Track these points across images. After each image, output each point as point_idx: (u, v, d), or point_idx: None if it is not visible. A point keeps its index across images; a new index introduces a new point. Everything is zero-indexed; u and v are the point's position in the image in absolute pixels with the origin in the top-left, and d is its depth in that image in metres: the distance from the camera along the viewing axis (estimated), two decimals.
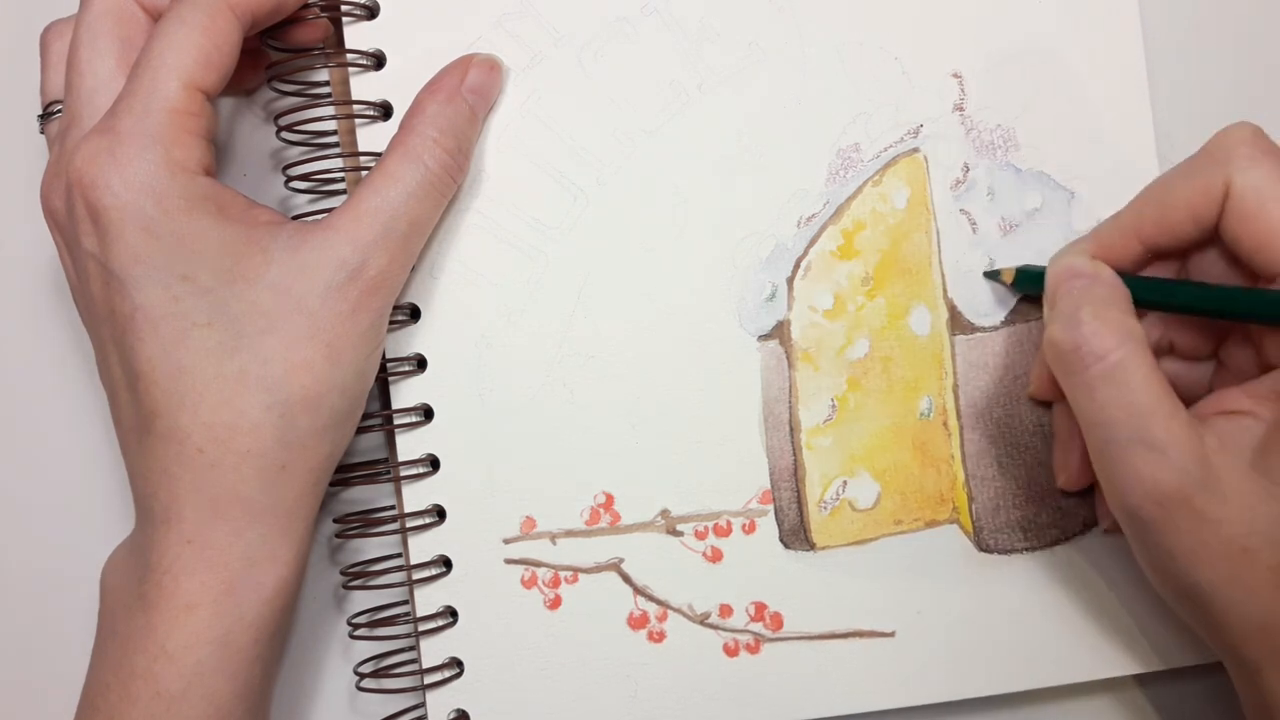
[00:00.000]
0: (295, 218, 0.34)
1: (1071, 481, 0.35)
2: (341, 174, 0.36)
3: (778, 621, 0.36)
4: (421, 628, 0.36)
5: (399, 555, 0.37)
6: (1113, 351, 0.29)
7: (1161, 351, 0.34)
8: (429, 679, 0.36)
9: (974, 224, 0.36)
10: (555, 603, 0.36)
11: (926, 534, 0.36)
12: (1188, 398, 0.31)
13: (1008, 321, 0.36)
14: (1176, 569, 0.30)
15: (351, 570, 0.37)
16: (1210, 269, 0.33)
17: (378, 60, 0.35)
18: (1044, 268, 0.33)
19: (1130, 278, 0.32)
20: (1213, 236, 0.32)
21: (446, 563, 0.36)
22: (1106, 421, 0.30)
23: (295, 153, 0.38)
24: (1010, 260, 0.36)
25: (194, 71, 0.31)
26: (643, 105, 0.36)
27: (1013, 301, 0.36)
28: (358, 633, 0.37)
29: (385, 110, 0.35)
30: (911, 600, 0.36)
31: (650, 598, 0.36)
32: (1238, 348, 0.33)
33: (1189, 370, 0.34)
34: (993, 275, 0.36)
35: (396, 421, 0.36)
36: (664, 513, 0.36)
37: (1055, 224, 0.36)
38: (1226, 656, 0.32)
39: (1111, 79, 0.36)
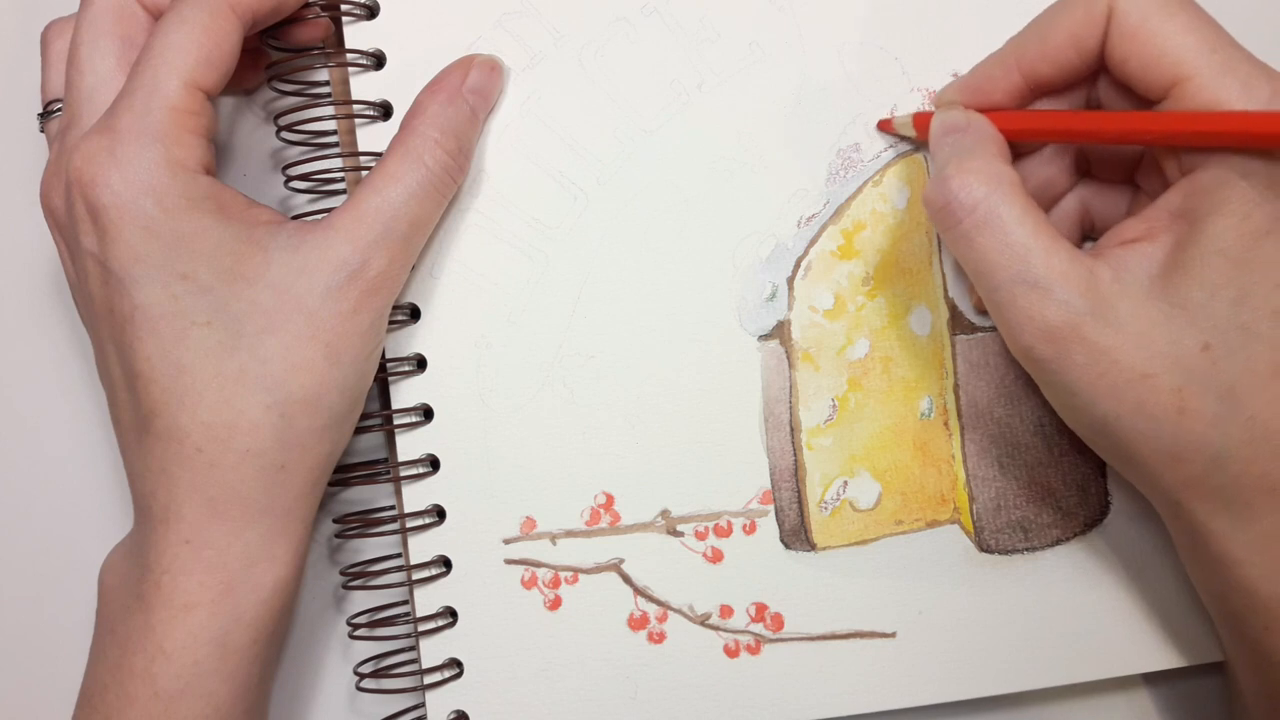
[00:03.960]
0: (295, 218, 0.34)
1: (980, 304, 0.36)
2: (341, 174, 0.36)
3: (778, 622, 0.36)
4: (421, 628, 0.35)
5: (399, 555, 0.37)
6: (981, 202, 0.30)
7: (1080, 174, 0.35)
8: (429, 679, 0.35)
9: None
10: (555, 603, 0.36)
11: (927, 534, 0.36)
12: (1109, 224, 0.32)
13: None
14: (1079, 404, 0.30)
15: (351, 570, 0.37)
16: (1103, 106, 0.33)
17: (378, 60, 0.35)
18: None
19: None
20: (1094, 68, 0.32)
21: (446, 563, 0.36)
22: (987, 269, 0.30)
23: (295, 152, 0.38)
24: None
25: (195, 70, 0.31)
26: (643, 105, 0.36)
27: None
28: (357, 633, 0.37)
29: (385, 110, 0.35)
30: (912, 601, 0.36)
31: (650, 598, 0.36)
32: (1150, 172, 0.33)
33: (1107, 194, 0.35)
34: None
35: (396, 421, 0.35)
36: (664, 513, 0.36)
37: None
38: (1148, 493, 0.32)
39: None
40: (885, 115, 0.36)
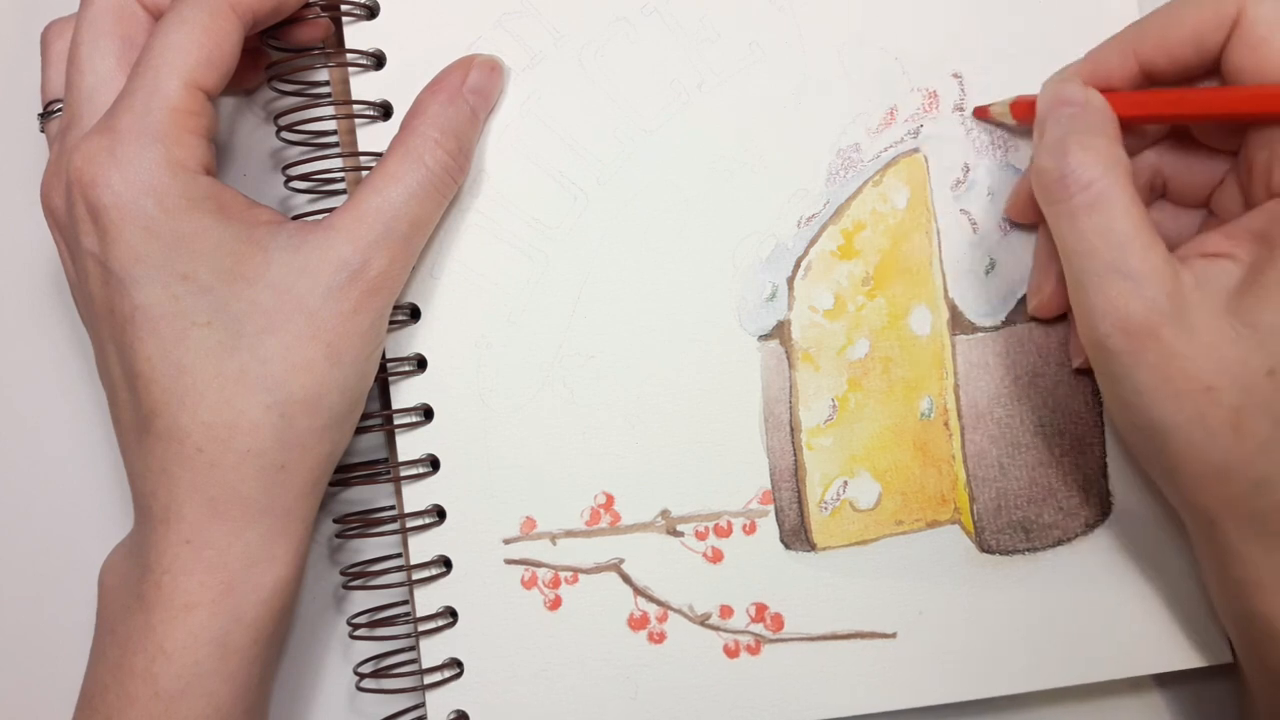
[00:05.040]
0: (295, 218, 0.34)
1: (1044, 307, 0.35)
2: (341, 174, 0.36)
3: (778, 622, 0.36)
4: (421, 628, 0.35)
5: (399, 555, 0.37)
6: (1097, 180, 0.30)
7: (1154, 193, 0.35)
8: (429, 679, 0.35)
9: (974, 224, 0.36)
10: (555, 603, 0.36)
11: (928, 534, 0.36)
12: (1173, 247, 0.31)
13: (1008, 321, 0.36)
14: (1140, 404, 0.30)
15: (351, 570, 0.37)
16: None
17: (378, 60, 0.35)
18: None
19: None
20: (1209, 69, 0.32)
21: (446, 563, 0.36)
22: (1085, 250, 0.30)
23: (295, 152, 0.38)
24: (1012, 259, 0.36)
25: (195, 71, 0.31)
26: (643, 105, 0.36)
27: (1014, 302, 0.36)
28: (358, 633, 0.37)
29: (385, 110, 0.35)
30: (913, 601, 0.36)
31: (650, 598, 0.36)
32: (1228, 190, 0.33)
33: (1178, 218, 0.35)
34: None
35: (396, 421, 0.35)
36: (664, 513, 0.36)
37: None
38: (1183, 508, 0.32)
39: None
40: (885, 115, 0.36)
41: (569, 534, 0.36)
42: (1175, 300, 0.29)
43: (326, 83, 0.37)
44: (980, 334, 0.36)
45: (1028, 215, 0.35)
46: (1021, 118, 0.35)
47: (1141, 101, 0.32)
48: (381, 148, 0.34)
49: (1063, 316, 0.36)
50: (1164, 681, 0.38)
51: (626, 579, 0.36)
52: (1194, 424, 0.29)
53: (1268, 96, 0.30)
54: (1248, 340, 0.29)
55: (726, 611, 0.36)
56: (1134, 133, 0.33)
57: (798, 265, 0.36)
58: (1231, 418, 0.29)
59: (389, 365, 0.35)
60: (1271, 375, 0.29)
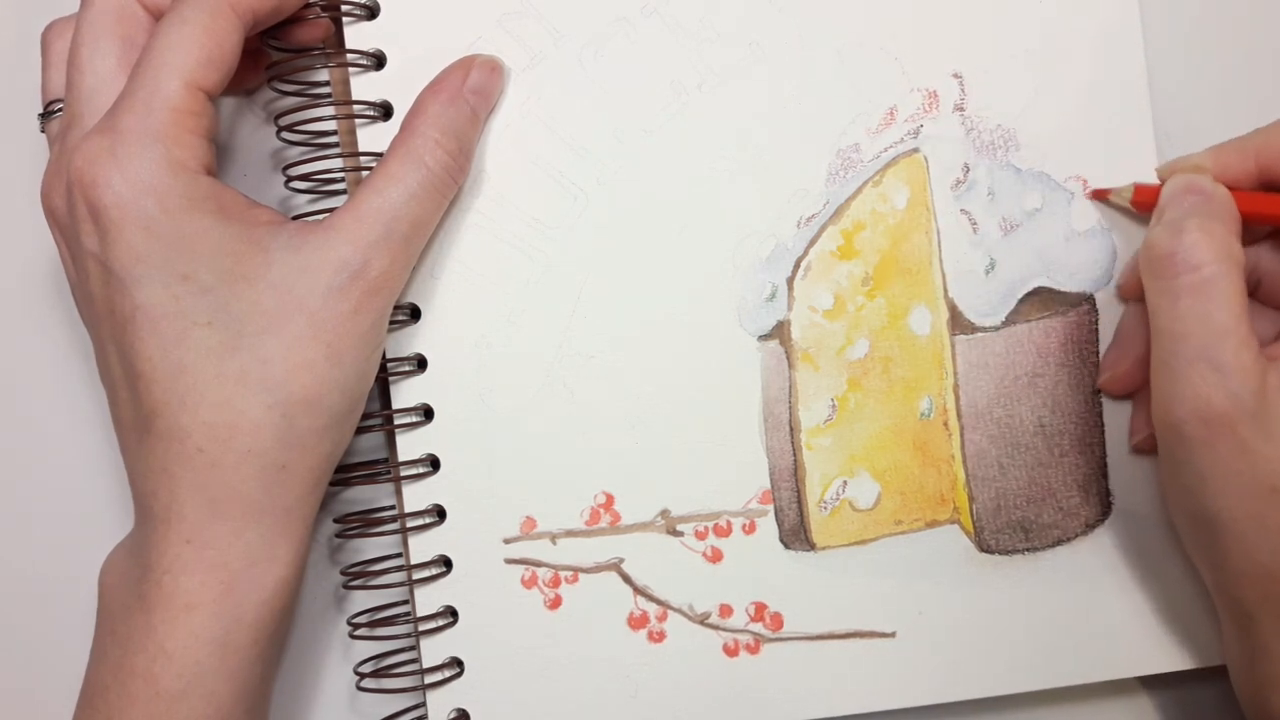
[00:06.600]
0: (296, 218, 0.34)
1: (1114, 383, 0.35)
2: (342, 174, 0.36)
3: (778, 622, 0.36)
4: (421, 628, 0.36)
5: (399, 555, 0.37)
6: (1207, 265, 0.30)
7: (1248, 288, 0.34)
8: (429, 679, 0.35)
9: (974, 224, 0.36)
10: (555, 603, 0.36)
11: (927, 534, 0.36)
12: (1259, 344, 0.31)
13: (1008, 321, 0.36)
14: (1202, 493, 0.30)
15: (351, 570, 0.37)
16: None
17: (378, 60, 0.35)
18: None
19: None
20: None
21: (446, 563, 0.36)
22: (1178, 332, 0.30)
23: (295, 153, 0.38)
24: (1012, 259, 0.36)
25: (195, 71, 0.31)
26: (643, 105, 0.36)
27: (1013, 302, 0.36)
28: (358, 633, 0.37)
29: (385, 110, 0.35)
30: (912, 601, 0.36)
31: (650, 598, 0.36)
32: None
33: (1264, 318, 0.35)
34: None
35: (396, 421, 0.36)
36: (664, 513, 0.36)
37: (1056, 224, 0.36)
38: (1221, 598, 0.32)
39: (1111, 79, 0.36)
40: (885, 115, 0.36)
41: (569, 533, 0.36)
42: (1259, 399, 0.29)
43: (327, 83, 0.37)
44: (980, 334, 0.36)
45: (1132, 292, 0.35)
46: (1143, 206, 0.35)
47: (1260, 201, 0.33)
48: (382, 148, 0.34)
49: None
50: (1163, 682, 0.38)
51: (626, 578, 0.36)
52: (1251, 521, 0.30)
53: None
54: None
55: (726, 611, 0.36)
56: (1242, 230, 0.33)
57: (797, 265, 0.36)
58: None
59: (389, 365, 0.35)
60: None
